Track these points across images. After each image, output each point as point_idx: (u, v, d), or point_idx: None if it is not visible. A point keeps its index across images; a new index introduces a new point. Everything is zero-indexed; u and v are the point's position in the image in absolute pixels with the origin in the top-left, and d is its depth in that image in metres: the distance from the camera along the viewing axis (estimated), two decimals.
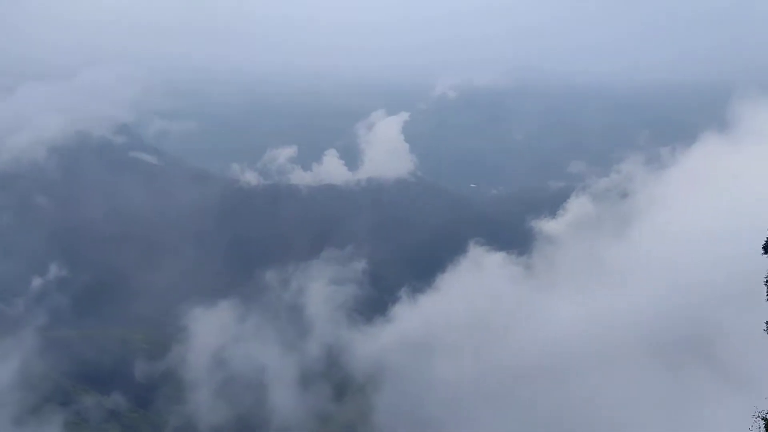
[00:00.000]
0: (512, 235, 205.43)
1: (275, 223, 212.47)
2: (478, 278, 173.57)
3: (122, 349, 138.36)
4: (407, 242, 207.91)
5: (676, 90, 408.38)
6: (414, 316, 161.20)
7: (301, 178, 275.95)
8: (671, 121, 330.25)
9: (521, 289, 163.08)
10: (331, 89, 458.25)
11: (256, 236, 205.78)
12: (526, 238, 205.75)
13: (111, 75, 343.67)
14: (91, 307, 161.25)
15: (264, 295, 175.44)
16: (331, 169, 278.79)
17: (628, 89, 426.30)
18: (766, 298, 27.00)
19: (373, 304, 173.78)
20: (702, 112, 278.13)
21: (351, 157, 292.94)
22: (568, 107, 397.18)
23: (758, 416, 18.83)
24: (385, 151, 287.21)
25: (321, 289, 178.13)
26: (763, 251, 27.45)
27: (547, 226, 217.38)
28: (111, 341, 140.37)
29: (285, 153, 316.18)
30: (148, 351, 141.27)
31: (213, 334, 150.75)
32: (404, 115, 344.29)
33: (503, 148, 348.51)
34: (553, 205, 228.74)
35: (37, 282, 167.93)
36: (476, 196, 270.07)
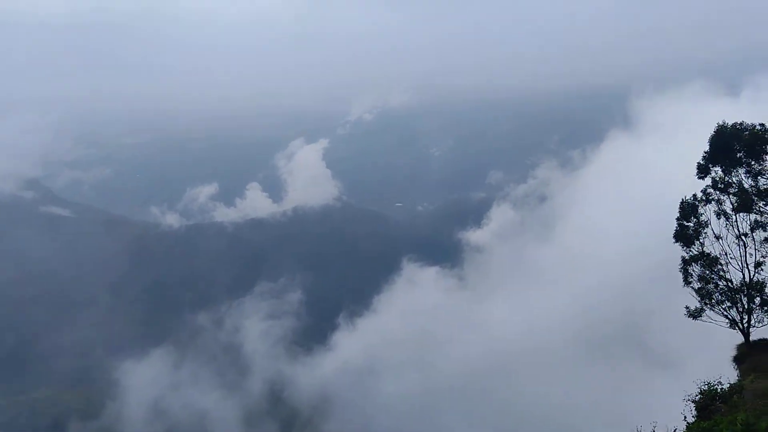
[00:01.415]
0: (442, 248, 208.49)
1: (202, 264, 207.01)
2: (414, 294, 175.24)
3: (54, 411, 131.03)
4: (341, 267, 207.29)
5: (579, 94, 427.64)
6: (355, 341, 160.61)
7: (225, 214, 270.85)
8: (578, 124, 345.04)
9: (457, 300, 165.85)
10: (247, 122, 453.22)
11: (183, 279, 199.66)
12: (456, 250, 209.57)
13: (14, 128, 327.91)
14: (17, 372, 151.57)
15: (198, 339, 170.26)
16: (255, 203, 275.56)
17: (533, 98, 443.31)
18: (683, 284, 28.77)
19: (313, 334, 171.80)
20: (606, 113, 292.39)
21: (274, 188, 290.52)
22: (480, 120, 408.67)
23: (689, 400, 19.91)
24: (308, 180, 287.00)
25: (257, 325, 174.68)
26: (674, 240, 29.24)
27: (474, 236, 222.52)
28: (41, 405, 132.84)
29: (206, 191, 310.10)
30: (81, 411, 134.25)
31: (148, 385, 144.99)
32: (323, 142, 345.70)
33: (423, 165, 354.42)
34: (477, 215, 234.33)
35: None
36: (403, 215, 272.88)
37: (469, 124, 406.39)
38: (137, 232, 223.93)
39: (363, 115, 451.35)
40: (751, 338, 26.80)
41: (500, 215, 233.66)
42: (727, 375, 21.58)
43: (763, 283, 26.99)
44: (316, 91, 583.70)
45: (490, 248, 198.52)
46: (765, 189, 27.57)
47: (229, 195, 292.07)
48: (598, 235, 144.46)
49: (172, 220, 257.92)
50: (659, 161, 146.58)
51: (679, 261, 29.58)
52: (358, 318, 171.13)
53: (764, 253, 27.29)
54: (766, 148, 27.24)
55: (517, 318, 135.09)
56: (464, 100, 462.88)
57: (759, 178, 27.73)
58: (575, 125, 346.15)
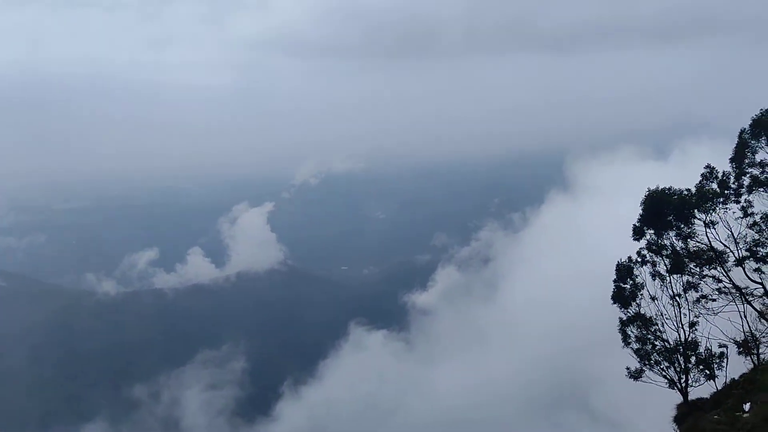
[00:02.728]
0: (389, 312, 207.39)
1: (140, 332, 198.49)
2: (361, 359, 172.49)
3: None
4: (286, 334, 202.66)
5: (517, 160, 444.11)
6: (299, 410, 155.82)
7: (165, 281, 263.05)
8: (517, 188, 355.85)
9: (404, 365, 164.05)
10: (188, 188, 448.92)
11: (118, 349, 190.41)
12: (403, 313, 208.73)
13: None
14: None
15: (134, 412, 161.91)
16: (197, 268, 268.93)
17: (474, 164, 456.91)
18: (622, 345, 29.29)
19: (256, 404, 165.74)
20: (543, 177, 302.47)
21: (217, 253, 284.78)
22: (422, 185, 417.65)
23: None
24: (252, 244, 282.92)
25: (197, 396, 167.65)
26: (612, 301, 29.92)
27: (420, 299, 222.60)
28: None
29: (145, 257, 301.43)
30: None
31: None
32: (268, 206, 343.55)
33: (368, 228, 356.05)
34: (422, 277, 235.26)
35: None
36: (349, 279, 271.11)
37: (412, 188, 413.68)
38: (71, 301, 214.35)
39: (308, 179, 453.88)
40: (690, 397, 27.26)
41: (445, 277, 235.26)
42: None
43: (697, 342, 27.74)
44: (259, 157, 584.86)
45: (437, 310, 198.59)
46: (694, 251, 28.73)
47: (169, 260, 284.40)
48: (541, 296, 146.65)
49: (108, 287, 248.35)
50: (596, 222, 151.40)
51: (617, 322, 30.23)
52: (303, 385, 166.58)
53: (697, 313, 28.17)
54: (693, 212, 28.54)
55: (464, 382, 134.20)
56: (406, 166, 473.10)
57: (688, 240, 28.91)
58: (515, 189, 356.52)
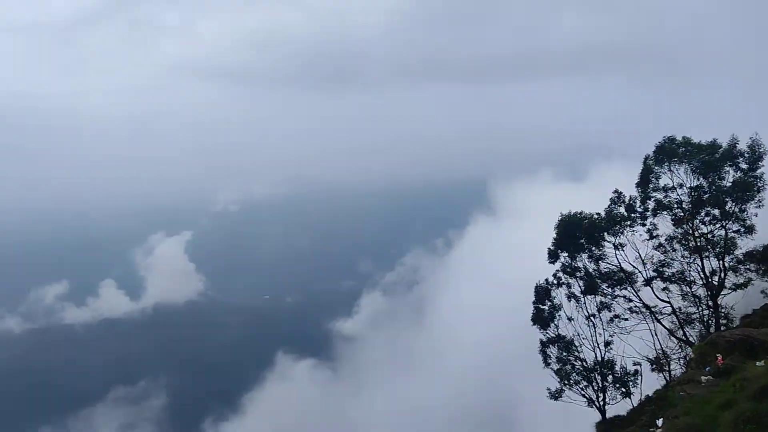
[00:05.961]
0: (314, 340, 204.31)
1: (47, 371, 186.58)
2: (286, 391, 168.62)
3: None
4: (207, 367, 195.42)
5: (441, 186, 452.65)
6: None
7: (75, 316, 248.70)
8: (441, 213, 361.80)
9: (331, 395, 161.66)
10: (103, 219, 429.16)
11: (22, 390, 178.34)
12: (328, 341, 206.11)
13: None
14: None
15: None
16: (110, 302, 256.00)
17: (396, 190, 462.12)
18: (543, 365, 29.95)
19: None
20: (466, 202, 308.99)
21: (132, 285, 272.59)
22: (345, 211, 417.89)
23: None
24: (170, 275, 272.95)
25: None
26: (532, 323, 30.64)
27: (346, 326, 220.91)
28: None
29: (53, 291, 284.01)
30: None
31: None
32: (186, 235, 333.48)
33: (291, 255, 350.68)
34: (347, 304, 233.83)
35: None
36: (272, 308, 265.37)
37: (336, 216, 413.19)
38: None
39: (228, 206, 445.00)
40: (608, 415, 28.06)
41: (371, 303, 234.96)
42: None
43: (613, 361, 28.70)
44: (178, 185, 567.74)
45: (363, 337, 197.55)
46: (606, 272, 29.87)
47: (80, 294, 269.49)
48: (467, 319, 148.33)
49: (12, 324, 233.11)
50: (518, 243, 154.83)
51: (538, 343, 30.92)
52: (225, 422, 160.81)
53: (611, 332, 29.21)
54: (603, 235, 29.71)
55: (392, 409, 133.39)
56: (329, 193, 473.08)
57: (600, 262, 30.06)
58: (439, 214, 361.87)
